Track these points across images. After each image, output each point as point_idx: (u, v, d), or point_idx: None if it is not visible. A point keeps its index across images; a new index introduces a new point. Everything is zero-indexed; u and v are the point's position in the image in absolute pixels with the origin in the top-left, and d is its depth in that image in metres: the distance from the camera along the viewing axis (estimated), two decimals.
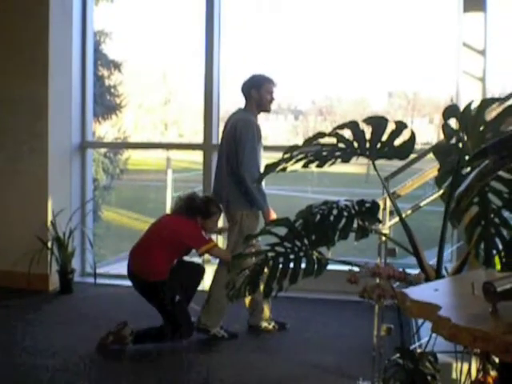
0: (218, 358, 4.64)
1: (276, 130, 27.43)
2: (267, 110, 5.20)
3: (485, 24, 5.61)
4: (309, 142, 2.80)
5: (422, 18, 13.09)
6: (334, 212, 3.15)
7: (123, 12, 13.95)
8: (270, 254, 3.18)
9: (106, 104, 12.26)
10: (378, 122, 2.71)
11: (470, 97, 5.64)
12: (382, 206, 3.87)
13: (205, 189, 6.40)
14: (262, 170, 4.60)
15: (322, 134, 2.78)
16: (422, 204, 4.15)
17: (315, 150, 2.83)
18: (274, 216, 4.97)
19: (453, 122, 2.86)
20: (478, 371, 2.78)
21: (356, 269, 2.85)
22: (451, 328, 1.84)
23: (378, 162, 3.13)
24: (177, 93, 19.72)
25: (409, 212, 3.96)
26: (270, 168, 2.93)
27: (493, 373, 2.84)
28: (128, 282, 6.44)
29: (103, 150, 11.82)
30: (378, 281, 2.47)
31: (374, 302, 2.48)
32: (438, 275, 2.88)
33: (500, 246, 2.74)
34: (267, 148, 5.44)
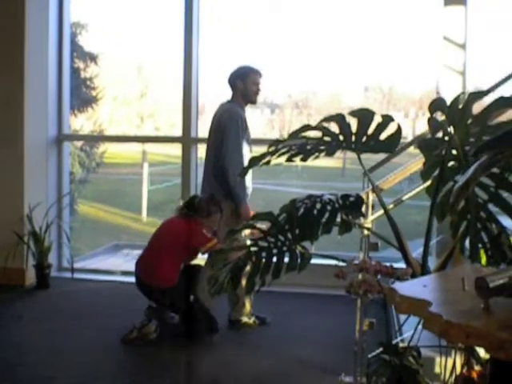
0: (198, 353, 4.60)
1: (252, 123, 27.44)
2: (253, 102, 5.16)
3: (465, 18, 5.60)
4: (294, 134, 2.76)
5: (402, 11, 13.11)
6: (318, 206, 3.12)
7: (99, 3, 13.81)
8: (253, 249, 3.15)
9: (82, 97, 12.14)
10: (364, 115, 2.67)
11: (450, 91, 5.65)
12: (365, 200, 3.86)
13: (183, 182, 6.34)
14: (246, 163, 4.62)
15: (307, 127, 2.74)
16: (404, 198, 4.13)
17: (300, 144, 2.79)
18: (251, 213, 4.93)
19: (438, 116, 2.83)
20: (462, 366, 2.76)
21: (342, 264, 2.82)
22: (443, 324, 1.81)
23: (362, 156, 3.10)
24: (153, 86, 19.59)
25: (391, 206, 3.95)
26: (255, 161, 2.89)
27: (477, 367, 2.83)
28: (105, 277, 6.44)
29: (79, 144, 11.70)
30: (364, 276, 2.44)
31: (360, 297, 2.44)
32: (424, 270, 2.85)
33: (486, 241, 2.73)
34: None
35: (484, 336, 1.71)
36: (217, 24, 11.86)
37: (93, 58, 12.45)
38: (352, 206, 3.19)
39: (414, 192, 3.91)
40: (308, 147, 2.82)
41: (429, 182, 2.93)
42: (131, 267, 6.87)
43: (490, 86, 4.12)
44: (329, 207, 3.14)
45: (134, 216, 14.52)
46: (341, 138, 2.76)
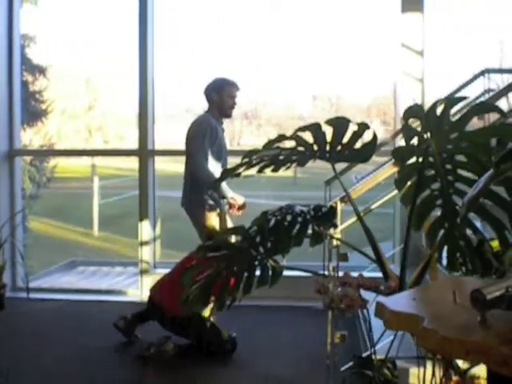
0: (160, 371, 4.44)
1: None
2: (228, 115, 5.09)
3: (423, 24, 5.60)
4: (269, 145, 2.67)
5: (354, 20, 13.16)
6: (289, 218, 3.05)
7: (48, 15, 13.56)
8: (223, 265, 3.05)
9: (31, 110, 11.84)
10: (339, 123, 2.59)
11: (409, 98, 5.65)
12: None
13: (141, 195, 6.17)
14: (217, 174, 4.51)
15: (282, 137, 2.66)
16: (373, 206, 4.08)
17: (273, 154, 2.70)
18: (240, 200, 4.89)
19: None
20: (441, 377, 2.70)
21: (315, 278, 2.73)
22: (440, 340, 1.73)
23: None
24: (101, 98, 19.36)
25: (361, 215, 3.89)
26: (228, 173, 2.79)
27: (455, 378, 2.78)
28: (62, 296, 6.23)
29: (29, 158, 11.41)
30: (346, 290, 2.35)
31: (342, 313, 2.36)
32: (403, 283, 2.79)
33: (465, 250, 2.67)
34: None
35: (485, 351, 1.63)
36: (171, 36, 11.75)
37: (41, 70, 12.17)
38: (324, 216, 3.12)
39: (382, 200, 3.87)
40: (281, 157, 2.74)
41: (403, 191, 2.86)
42: (87, 285, 6.77)
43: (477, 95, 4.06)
44: (300, 219, 3.07)
45: (86, 231, 14.24)
46: (315, 147, 2.67)
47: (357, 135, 2.60)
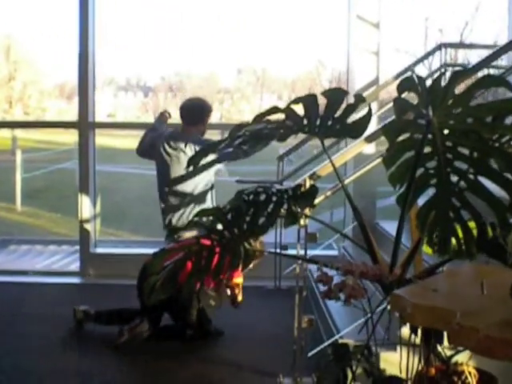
0: (119, 360, 4.17)
1: (125, 107, 26.79)
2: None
3: None
4: (260, 118, 2.43)
5: None
6: (262, 197, 2.83)
7: None
8: (194, 248, 2.82)
9: None
10: (335, 96, 2.37)
11: (363, 72, 5.49)
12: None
13: (81, 170, 5.82)
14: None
15: (275, 109, 2.42)
16: (346, 182, 3.90)
17: (258, 129, 2.47)
18: None
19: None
20: (423, 363, 2.54)
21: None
22: (483, 340, 1.54)
23: None
24: (21, 68, 18.71)
25: (328, 193, 3.71)
26: (211, 148, 2.54)
27: (436, 364, 2.62)
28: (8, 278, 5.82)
29: None
30: (347, 279, 2.15)
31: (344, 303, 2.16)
32: (391, 270, 2.59)
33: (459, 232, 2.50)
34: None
35: None
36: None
37: None
38: (303, 196, 2.92)
39: (354, 177, 3.70)
40: (265, 132, 2.51)
41: (392, 170, 2.65)
42: (22, 265, 6.37)
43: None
44: (274, 198, 2.86)
45: (8, 206, 13.69)
46: (305, 121, 2.45)
47: (351, 108, 2.39)
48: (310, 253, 4.21)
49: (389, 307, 2.15)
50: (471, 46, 9.02)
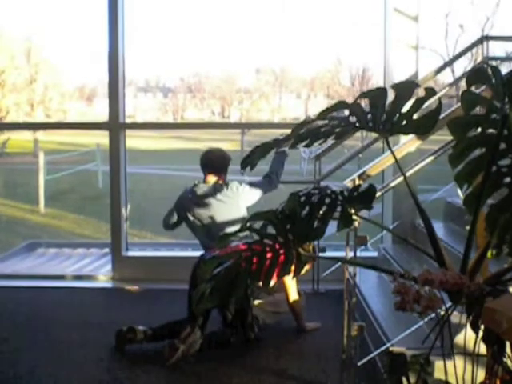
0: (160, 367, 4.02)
1: (144, 107, 26.79)
2: None
3: None
4: (325, 113, 2.26)
5: None
6: (327, 200, 2.66)
7: None
8: (245, 254, 2.66)
9: None
10: (405, 89, 2.20)
11: (402, 67, 5.31)
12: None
13: (112, 172, 5.68)
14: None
15: (342, 104, 2.26)
16: (392, 185, 3.74)
17: (319, 126, 2.31)
18: None
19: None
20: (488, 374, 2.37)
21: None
22: None
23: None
24: (41, 71, 18.68)
25: (378, 194, 3.54)
26: (267, 147, 2.38)
27: (501, 374, 2.44)
28: (27, 283, 5.69)
29: None
30: (423, 289, 1.98)
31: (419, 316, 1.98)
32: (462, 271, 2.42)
33: None
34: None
35: None
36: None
37: None
38: (360, 197, 2.74)
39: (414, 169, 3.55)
40: (322, 130, 2.34)
41: (459, 168, 2.48)
42: (52, 270, 6.25)
43: None
44: (327, 200, 2.69)
45: (31, 208, 13.66)
46: (369, 117, 2.28)
47: (420, 103, 2.22)
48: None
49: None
50: None
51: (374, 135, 4.47)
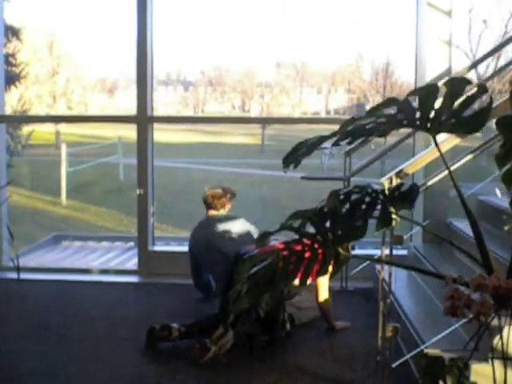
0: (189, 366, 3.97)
1: (165, 101, 26.75)
2: None
3: None
4: (376, 110, 2.20)
5: None
6: (367, 199, 2.60)
7: None
8: (283, 254, 2.59)
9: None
10: (457, 86, 2.13)
11: (435, 63, 5.22)
12: (387, 186, 3.39)
13: (140, 164, 5.64)
14: None
15: (392, 101, 2.19)
16: (429, 183, 3.67)
17: (365, 123, 2.24)
18: None
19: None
20: None
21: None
22: None
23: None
24: (64, 63, 18.76)
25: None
26: (311, 148, 2.31)
27: None
28: (53, 276, 5.66)
29: None
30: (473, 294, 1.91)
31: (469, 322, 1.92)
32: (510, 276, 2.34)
33: None
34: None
35: None
36: None
37: (15, 32, 11.37)
38: (402, 196, 2.67)
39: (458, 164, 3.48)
40: (368, 126, 2.27)
41: (506, 168, 2.39)
42: (78, 263, 6.23)
43: None
44: (367, 199, 2.62)
45: (53, 200, 13.68)
46: (417, 114, 2.21)
47: (472, 100, 2.15)
48: (376, 253, 4.03)
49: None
50: None
51: (402, 130, 4.41)
